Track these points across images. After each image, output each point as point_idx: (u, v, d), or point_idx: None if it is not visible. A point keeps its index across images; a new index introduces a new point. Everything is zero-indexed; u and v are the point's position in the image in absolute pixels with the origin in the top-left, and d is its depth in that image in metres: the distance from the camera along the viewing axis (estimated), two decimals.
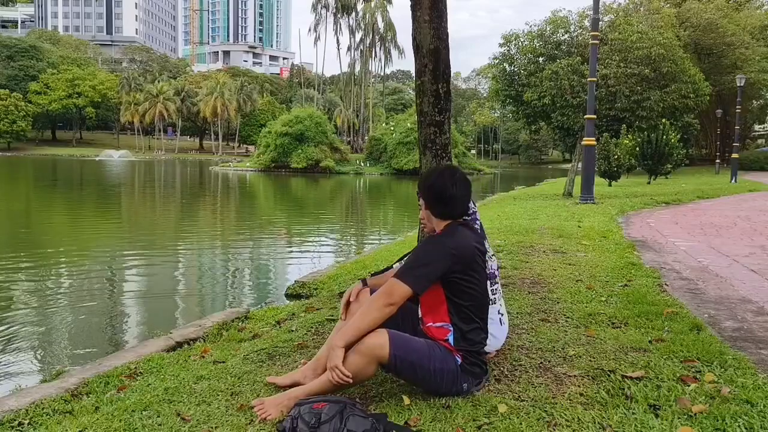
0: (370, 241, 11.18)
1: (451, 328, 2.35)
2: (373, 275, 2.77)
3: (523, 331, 3.17)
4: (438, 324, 2.38)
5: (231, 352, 3.21)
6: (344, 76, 64.54)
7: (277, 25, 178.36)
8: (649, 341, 2.93)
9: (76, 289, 6.77)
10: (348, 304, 2.58)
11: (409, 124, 40.63)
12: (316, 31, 58.77)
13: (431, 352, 2.30)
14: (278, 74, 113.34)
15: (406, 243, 7.09)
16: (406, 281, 2.27)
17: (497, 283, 2.75)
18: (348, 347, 2.24)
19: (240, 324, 4.10)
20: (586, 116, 12.48)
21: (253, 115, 76.82)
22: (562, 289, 4.14)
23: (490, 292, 2.45)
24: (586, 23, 31.37)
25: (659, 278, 4.53)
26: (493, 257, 2.73)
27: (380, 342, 2.22)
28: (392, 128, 44.66)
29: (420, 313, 2.47)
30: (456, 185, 2.40)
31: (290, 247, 10.51)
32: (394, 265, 2.84)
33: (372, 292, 2.50)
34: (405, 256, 2.72)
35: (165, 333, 3.92)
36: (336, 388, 2.27)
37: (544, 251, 5.81)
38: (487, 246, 2.53)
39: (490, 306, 2.44)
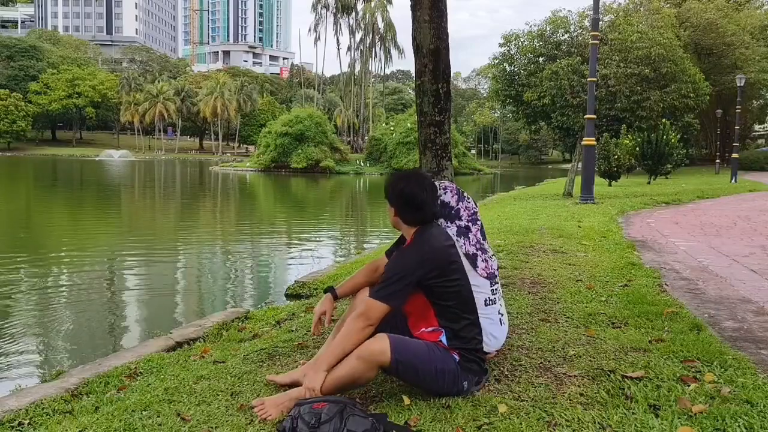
0: (370, 241, 11.17)
1: (443, 330, 2.36)
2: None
3: (523, 331, 3.17)
4: (429, 329, 2.39)
5: (231, 352, 3.21)
6: (344, 76, 64.51)
7: (277, 25, 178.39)
8: (649, 341, 2.92)
9: (76, 289, 6.77)
10: (320, 319, 2.59)
11: (409, 124, 40.63)
12: (316, 31, 58.81)
13: (431, 353, 2.30)
14: (278, 74, 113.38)
15: None
16: (383, 299, 2.28)
17: (497, 283, 2.74)
18: (330, 370, 2.26)
19: (240, 324, 4.11)
20: (586, 116, 12.48)
21: (253, 115, 76.82)
22: (562, 289, 4.13)
23: (490, 292, 2.44)
24: (586, 23, 31.41)
25: (659, 278, 4.52)
26: (493, 257, 2.73)
27: (381, 348, 2.23)
28: (392, 128, 44.66)
29: (409, 324, 2.48)
30: (426, 190, 2.39)
31: (290, 247, 10.51)
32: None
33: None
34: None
35: (165, 333, 3.93)
36: (336, 390, 2.27)
37: (544, 251, 5.80)
38: (486, 246, 2.53)
39: (490, 306, 2.43)
